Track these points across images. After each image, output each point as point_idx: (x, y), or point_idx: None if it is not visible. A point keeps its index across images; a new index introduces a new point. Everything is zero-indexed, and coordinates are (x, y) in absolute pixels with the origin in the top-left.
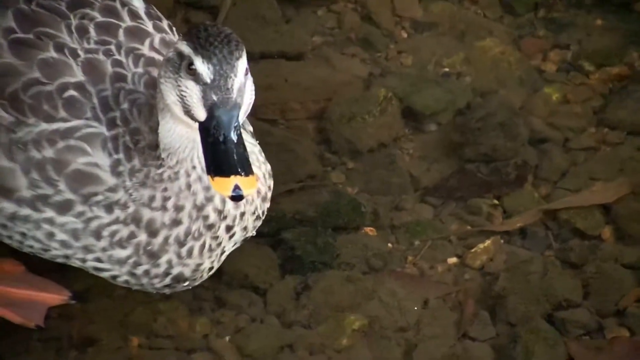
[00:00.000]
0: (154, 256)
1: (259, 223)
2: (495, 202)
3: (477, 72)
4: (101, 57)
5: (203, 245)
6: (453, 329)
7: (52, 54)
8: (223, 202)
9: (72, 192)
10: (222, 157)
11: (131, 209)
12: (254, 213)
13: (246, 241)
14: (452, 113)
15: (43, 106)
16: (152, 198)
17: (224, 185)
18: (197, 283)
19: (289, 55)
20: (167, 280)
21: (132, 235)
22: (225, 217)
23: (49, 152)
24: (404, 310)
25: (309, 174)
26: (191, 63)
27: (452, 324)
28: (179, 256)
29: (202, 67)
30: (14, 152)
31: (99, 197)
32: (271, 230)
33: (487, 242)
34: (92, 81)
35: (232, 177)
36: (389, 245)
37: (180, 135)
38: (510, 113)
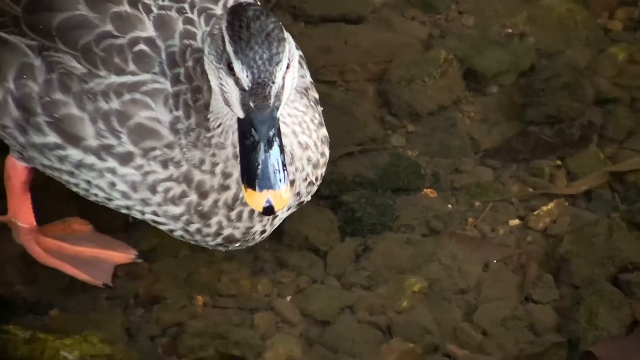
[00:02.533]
0: (204, 217)
1: (313, 188)
2: (559, 163)
3: (542, 32)
4: (173, 14)
5: (253, 210)
6: (515, 292)
7: (126, 7)
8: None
9: (133, 144)
10: (255, 169)
11: (184, 168)
12: (305, 179)
13: (305, 205)
14: (515, 75)
15: (114, 59)
16: (202, 161)
17: (255, 200)
18: (251, 244)
19: (349, 18)
20: (219, 240)
21: (183, 194)
22: None
23: (115, 104)
24: (464, 272)
25: (369, 136)
26: (231, 62)
27: (513, 287)
28: (228, 219)
29: (241, 74)
30: (85, 101)
31: (157, 152)
32: (331, 193)
33: (551, 205)
34: (162, 37)
35: (265, 191)
36: (449, 207)
37: (225, 106)
38: (575, 73)
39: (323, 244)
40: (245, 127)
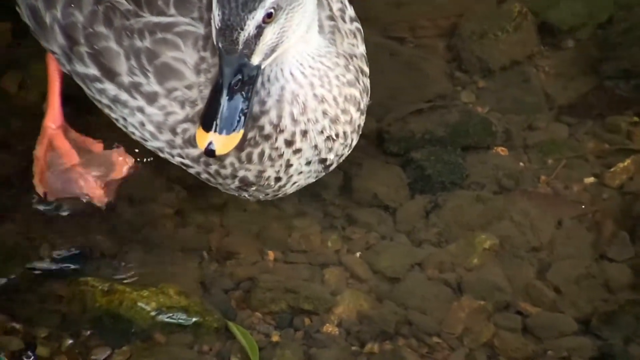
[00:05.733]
0: (218, 158)
1: (336, 146)
2: (636, 119)
3: None
4: None
5: (262, 153)
6: (589, 250)
7: None
8: (279, 117)
9: (158, 83)
10: (210, 109)
11: (198, 107)
12: (321, 133)
13: (373, 162)
14: (592, 28)
15: (158, 1)
16: None
17: (200, 138)
18: (268, 192)
19: None
20: (237, 182)
21: None
22: (282, 131)
23: (147, 42)
24: (537, 229)
25: (438, 93)
26: None
27: (588, 245)
28: (239, 160)
29: (215, 12)
30: (123, 37)
31: (178, 93)
32: (400, 150)
33: (627, 161)
34: None
35: (211, 133)
36: (521, 164)
37: None
38: None
39: (392, 200)
40: (219, 67)
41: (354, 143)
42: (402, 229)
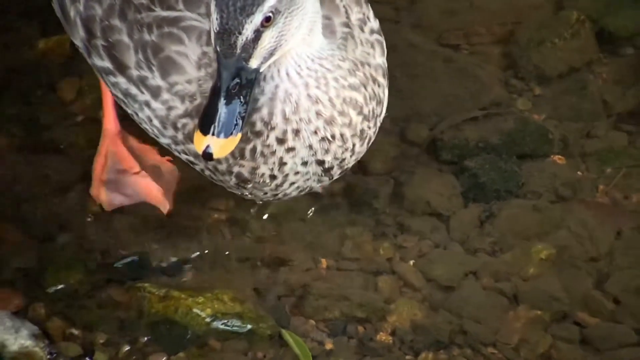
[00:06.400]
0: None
1: (333, 147)
2: None
3: None
4: None
5: (254, 150)
6: None
7: None
8: (270, 114)
9: (161, 78)
10: (207, 112)
11: (197, 102)
12: (315, 133)
13: (426, 170)
14: None
15: None
16: None
17: (198, 140)
18: (266, 190)
19: None
20: (234, 179)
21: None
22: (272, 128)
23: (154, 36)
24: (596, 239)
25: (493, 100)
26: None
27: None
28: (233, 156)
29: (213, 16)
30: (134, 31)
31: (179, 87)
32: (453, 158)
33: None
34: None
35: (209, 136)
36: (579, 173)
37: None
38: None
39: (445, 209)
40: (217, 70)
41: (358, 149)
42: (456, 238)
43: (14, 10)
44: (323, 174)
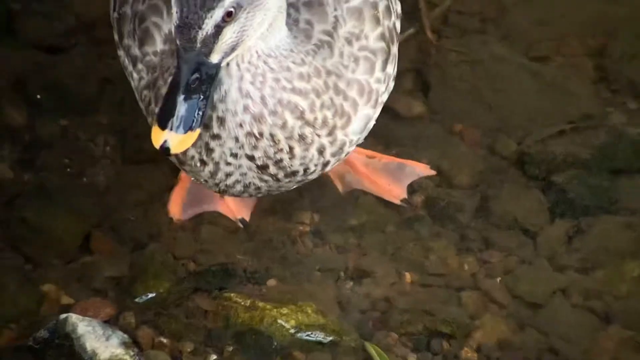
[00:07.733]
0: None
1: (265, 146)
2: None
3: None
4: None
5: (207, 145)
6: None
7: None
8: (224, 111)
9: (138, 47)
10: (166, 107)
11: (155, 74)
12: (240, 126)
13: (512, 184)
14: None
15: None
16: (167, 68)
17: (155, 135)
18: (205, 179)
19: None
20: (174, 159)
21: (150, 103)
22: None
23: (144, 6)
24: None
25: (584, 113)
26: None
27: None
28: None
29: (174, 9)
30: (134, 3)
31: (148, 58)
32: (540, 173)
33: None
34: None
35: (166, 131)
36: None
37: None
38: None
39: (532, 224)
40: (177, 64)
41: (300, 153)
42: (543, 254)
43: (107, 21)
44: (260, 172)
